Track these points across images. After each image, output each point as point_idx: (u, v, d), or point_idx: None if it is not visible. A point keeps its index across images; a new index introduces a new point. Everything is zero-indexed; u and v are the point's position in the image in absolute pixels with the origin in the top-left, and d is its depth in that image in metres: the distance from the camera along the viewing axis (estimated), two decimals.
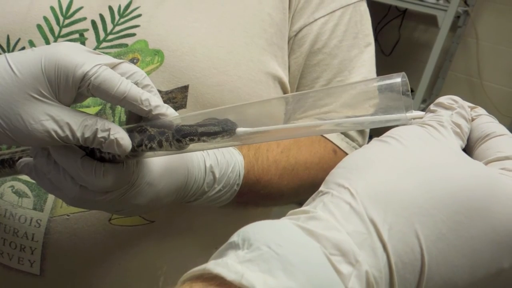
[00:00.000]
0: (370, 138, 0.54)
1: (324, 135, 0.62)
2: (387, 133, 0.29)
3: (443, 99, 0.32)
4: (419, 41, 2.50)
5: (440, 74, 2.46)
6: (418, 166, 0.26)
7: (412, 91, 2.24)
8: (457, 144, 0.30)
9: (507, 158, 0.28)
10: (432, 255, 0.24)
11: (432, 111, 0.31)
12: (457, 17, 2.23)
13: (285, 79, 0.60)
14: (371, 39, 0.65)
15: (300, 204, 0.28)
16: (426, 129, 0.29)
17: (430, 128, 0.29)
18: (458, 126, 0.30)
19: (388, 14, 2.46)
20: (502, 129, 0.31)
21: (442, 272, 0.25)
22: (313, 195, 0.28)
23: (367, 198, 0.25)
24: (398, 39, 2.52)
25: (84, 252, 0.52)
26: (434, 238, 0.25)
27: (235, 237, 0.24)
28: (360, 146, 0.65)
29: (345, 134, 0.64)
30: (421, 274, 0.25)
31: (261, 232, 0.23)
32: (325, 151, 0.61)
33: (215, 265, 0.22)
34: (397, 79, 0.30)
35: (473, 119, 0.32)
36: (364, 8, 0.65)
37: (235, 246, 0.23)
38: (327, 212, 0.25)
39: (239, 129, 0.36)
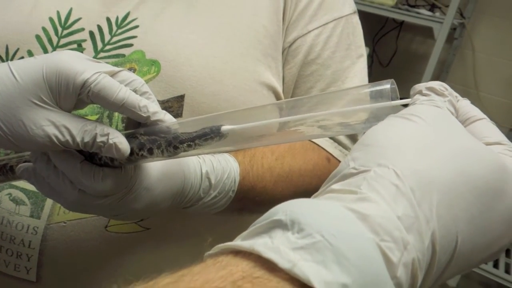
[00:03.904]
0: None
1: (318, 143, 0.63)
2: (406, 111, 0.29)
3: (436, 85, 0.32)
4: (416, 52, 2.52)
5: None
6: (452, 148, 0.27)
7: None
8: None
9: (497, 143, 0.30)
10: (463, 237, 0.25)
11: (425, 95, 0.31)
12: (453, 29, 2.25)
13: (279, 89, 0.61)
14: (363, 50, 0.66)
15: None
16: (443, 110, 0.29)
17: (445, 110, 0.30)
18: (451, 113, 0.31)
19: (385, 26, 2.48)
20: (480, 112, 0.32)
21: (465, 251, 0.25)
22: (337, 173, 0.28)
23: (413, 181, 0.25)
24: (395, 50, 2.53)
25: (80, 259, 0.52)
26: (466, 220, 0.25)
27: (281, 215, 0.23)
28: None
29: (339, 143, 0.65)
30: (453, 255, 0.25)
31: (312, 215, 0.22)
32: (319, 158, 0.61)
33: (265, 248, 0.21)
34: (386, 85, 0.32)
35: None
36: (356, 21, 0.67)
37: (283, 226, 0.22)
38: (375, 193, 0.24)
39: (225, 127, 0.36)
